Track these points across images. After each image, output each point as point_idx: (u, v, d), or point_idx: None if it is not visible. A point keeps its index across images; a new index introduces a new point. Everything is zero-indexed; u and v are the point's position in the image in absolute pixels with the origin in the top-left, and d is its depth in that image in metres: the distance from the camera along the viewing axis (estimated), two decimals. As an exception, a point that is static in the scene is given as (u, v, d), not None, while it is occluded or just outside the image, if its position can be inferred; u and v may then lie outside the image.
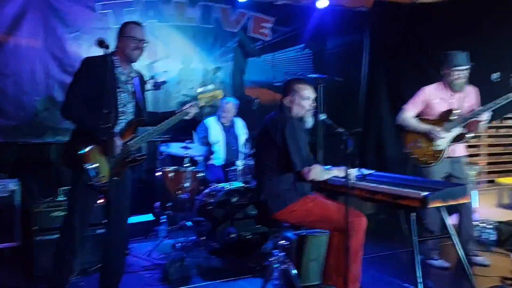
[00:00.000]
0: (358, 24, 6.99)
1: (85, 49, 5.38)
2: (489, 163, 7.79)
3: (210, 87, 3.62)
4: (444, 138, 4.30)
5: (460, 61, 4.23)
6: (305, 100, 3.44)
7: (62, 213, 4.14)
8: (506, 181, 7.33)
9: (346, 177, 3.02)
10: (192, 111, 3.52)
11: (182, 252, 4.46)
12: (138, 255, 4.59)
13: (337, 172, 3.49)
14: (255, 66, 6.43)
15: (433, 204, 3.05)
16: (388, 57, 6.73)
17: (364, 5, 7.03)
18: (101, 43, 2.88)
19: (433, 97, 4.40)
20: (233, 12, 6.21)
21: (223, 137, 5.46)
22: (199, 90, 3.59)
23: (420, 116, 4.49)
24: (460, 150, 4.44)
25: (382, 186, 3.35)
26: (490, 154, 7.76)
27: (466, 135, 4.30)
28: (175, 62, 5.98)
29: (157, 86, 4.90)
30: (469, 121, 4.26)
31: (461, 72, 4.25)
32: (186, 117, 3.54)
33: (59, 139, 5.21)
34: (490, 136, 7.76)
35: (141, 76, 3.59)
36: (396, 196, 3.20)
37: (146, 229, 5.32)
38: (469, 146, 8.45)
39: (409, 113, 4.47)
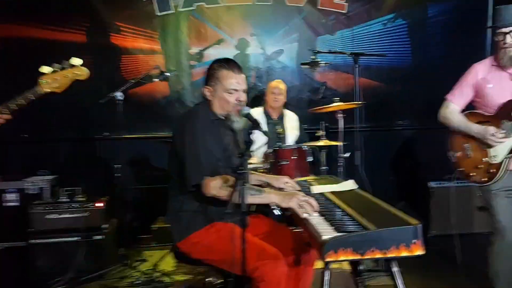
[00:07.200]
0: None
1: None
2: None
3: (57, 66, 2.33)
4: (503, 145, 2.78)
5: (508, 17, 2.68)
6: (229, 93, 2.46)
7: (59, 216, 4.01)
8: None
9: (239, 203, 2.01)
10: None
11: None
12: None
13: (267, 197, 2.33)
14: (329, 45, 5.29)
15: (334, 257, 1.71)
16: None
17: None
18: None
19: (483, 78, 2.89)
20: (298, -18, 5.21)
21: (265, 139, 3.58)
22: (43, 70, 2.32)
23: (472, 110, 3.01)
24: None
25: (312, 218, 2.10)
26: None
27: None
28: (228, 48, 5.29)
29: (164, 77, 4.29)
30: None
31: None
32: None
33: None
34: None
35: None
36: (311, 235, 1.95)
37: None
38: None
39: (454, 106, 3.02)
